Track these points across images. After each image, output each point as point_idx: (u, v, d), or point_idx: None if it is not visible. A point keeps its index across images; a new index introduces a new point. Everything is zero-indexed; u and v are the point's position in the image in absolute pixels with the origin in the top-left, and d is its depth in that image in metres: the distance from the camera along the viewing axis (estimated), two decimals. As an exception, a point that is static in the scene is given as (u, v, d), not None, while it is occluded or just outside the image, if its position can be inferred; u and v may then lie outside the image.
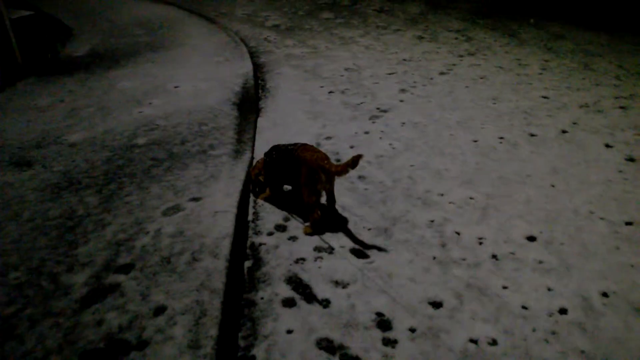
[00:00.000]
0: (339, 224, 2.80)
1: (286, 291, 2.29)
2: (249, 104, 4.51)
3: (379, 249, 2.59)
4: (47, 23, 6.75)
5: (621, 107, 4.51)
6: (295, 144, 2.79)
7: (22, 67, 5.03)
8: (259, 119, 4.26)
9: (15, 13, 5.46)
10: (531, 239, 2.70)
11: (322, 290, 2.30)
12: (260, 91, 4.98)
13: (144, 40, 6.40)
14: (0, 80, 4.69)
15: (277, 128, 4.05)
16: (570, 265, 2.48)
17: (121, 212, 2.74)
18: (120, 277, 2.23)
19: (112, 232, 2.55)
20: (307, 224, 2.76)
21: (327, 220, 2.79)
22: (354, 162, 2.42)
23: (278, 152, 2.84)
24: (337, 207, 2.92)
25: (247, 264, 2.48)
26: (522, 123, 4.15)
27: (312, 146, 2.76)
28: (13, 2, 6.65)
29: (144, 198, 2.87)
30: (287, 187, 3.10)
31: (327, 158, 2.64)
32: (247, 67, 5.43)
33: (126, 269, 2.29)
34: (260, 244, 2.63)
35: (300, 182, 2.69)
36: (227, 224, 2.61)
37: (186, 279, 2.20)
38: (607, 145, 3.78)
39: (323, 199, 2.88)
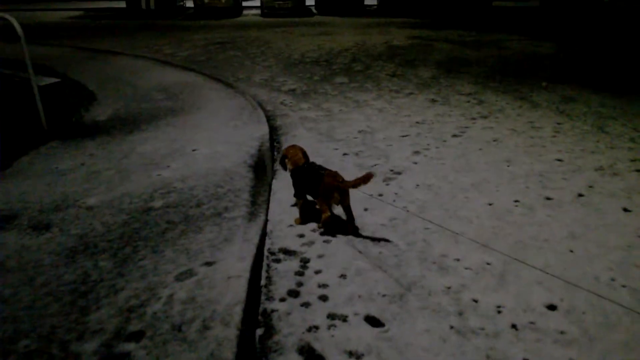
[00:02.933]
0: (353, 289, 2.75)
1: (298, 362, 2.23)
2: (265, 166, 4.59)
3: (394, 316, 2.53)
4: (72, 89, 7.06)
5: (637, 171, 4.47)
6: (323, 170, 3.38)
7: (46, 132, 5.22)
8: (274, 181, 4.31)
9: (43, 80, 5.74)
10: (551, 307, 2.61)
11: (335, 361, 2.23)
12: (275, 153, 5.07)
13: (164, 104, 6.63)
14: (25, 145, 4.86)
15: (291, 189, 4.08)
16: (593, 337, 2.39)
17: (134, 276, 2.74)
18: (131, 346, 2.20)
19: (124, 298, 2.54)
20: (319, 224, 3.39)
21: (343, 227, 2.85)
22: (365, 178, 3.09)
23: (310, 169, 3.45)
24: (350, 272, 2.90)
25: (259, 331, 2.43)
26: (537, 186, 4.13)
27: (336, 173, 3.33)
28: (41, 70, 7.01)
29: (157, 262, 2.88)
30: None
31: (342, 179, 3.27)
32: (263, 130, 5.56)
33: (137, 336, 2.26)
34: (273, 311, 2.59)
35: (318, 194, 3.32)
36: (239, 289, 2.59)
37: (196, 348, 2.16)
38: (625, 210, 3.72)
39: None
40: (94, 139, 5.23)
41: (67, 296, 2.56)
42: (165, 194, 3.83)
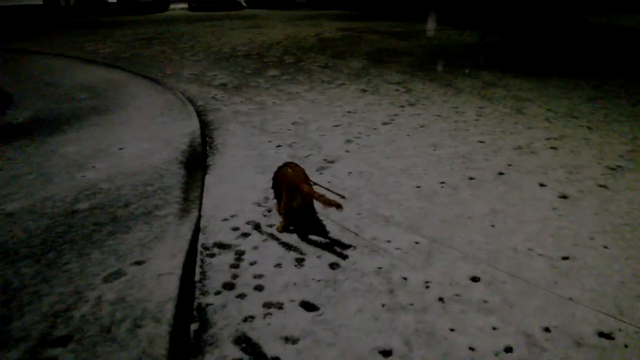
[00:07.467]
0: (289, 277, 2.79)
1: (234, 352, 2.23)
2: (196, 162, 4.51)
3: (329, 300, 2.59)
4: (-14, 91, 6.62)
5: (552, 148, 4.79)
6: (285, 164, 3.32)
7: (-43, 137, 4.87)
8: (207, 176, 4.25)
9: (-49, 82, 5.35)
10: (475, 279, 2.77)
11: (271, 348, 2.26)
12: (207, 148, 4.99)
13: (88, 104, 6.36)
14: None
15: (225, 184, 4.06)
16: (512, 303, 2.56)
17: (60, 281, 2.63)
18: (57, 351, 2.12)
19: (49, 303, 2.44)
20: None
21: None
22: (329, 202, 2.90)
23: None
24: (285, 261, 2.93)
25: (194, 326, 2.41)
26: (461, 167, 4.33)
27: (294, 164, 3.26)
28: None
29: (84, 265, 2.78)
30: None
31: (306, 178, 3.16)
32: (194, 125, 5.46)
33: (64, 341, 2.18)
34: (207, 305, 2.57)
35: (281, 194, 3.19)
36: (171, 286, 2.55)
37: (127, 347, 2.12)
38: (541, 185, 3.99)
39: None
40: (12, 143, 4.94)
41: (-15, 307, 2.43)
42: (90, 196, 3.69)
